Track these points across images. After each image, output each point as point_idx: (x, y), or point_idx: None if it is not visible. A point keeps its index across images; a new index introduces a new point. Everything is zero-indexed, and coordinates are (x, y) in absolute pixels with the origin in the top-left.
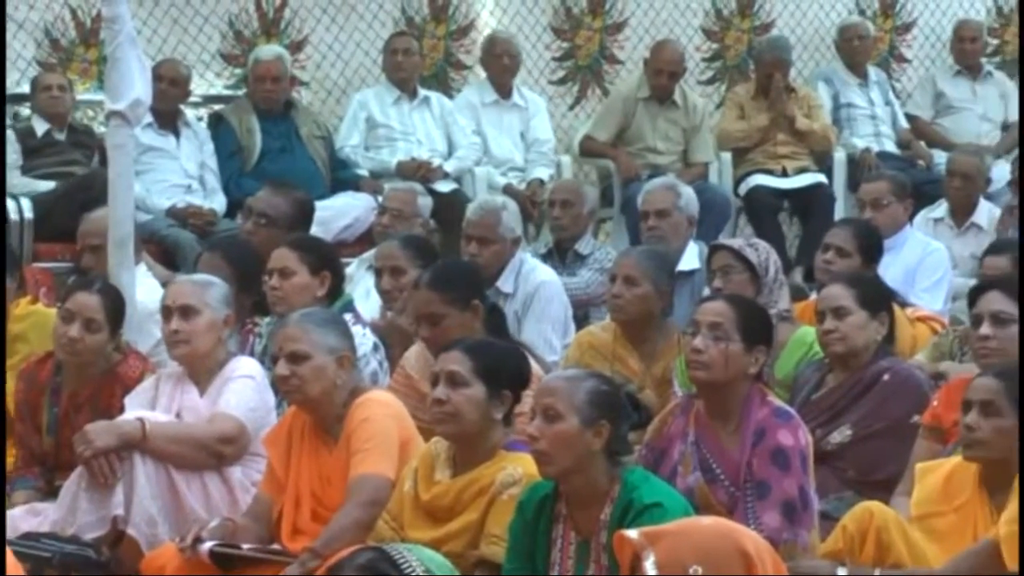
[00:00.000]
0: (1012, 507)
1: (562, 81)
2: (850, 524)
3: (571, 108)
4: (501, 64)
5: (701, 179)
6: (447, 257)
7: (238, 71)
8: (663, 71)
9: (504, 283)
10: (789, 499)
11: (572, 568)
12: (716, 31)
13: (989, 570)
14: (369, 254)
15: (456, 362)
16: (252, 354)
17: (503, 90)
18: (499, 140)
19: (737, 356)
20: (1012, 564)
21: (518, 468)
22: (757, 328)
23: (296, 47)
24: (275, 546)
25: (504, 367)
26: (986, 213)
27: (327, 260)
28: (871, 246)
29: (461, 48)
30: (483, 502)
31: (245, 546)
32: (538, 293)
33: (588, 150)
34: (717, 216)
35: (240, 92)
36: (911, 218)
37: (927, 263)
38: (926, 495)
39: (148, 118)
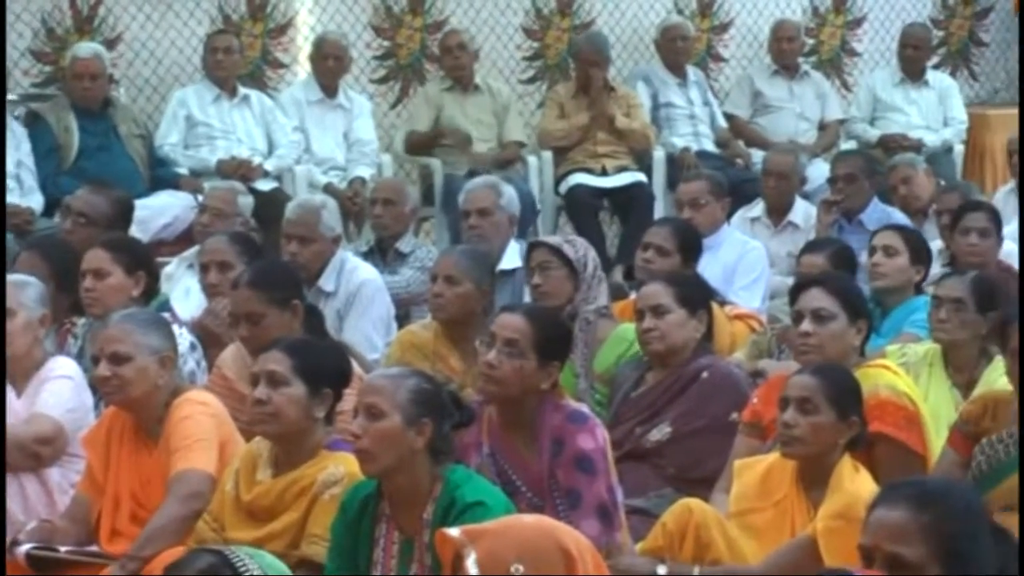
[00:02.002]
0: (829, 503)
1: (383, 80)
2: (670, 521)
3: (392, 107)
4: (328, 64)
5: (518, 159)
6: (268, 256)
7: (47, 69)
8: (451, 48)
9: (325, 282)
10: (602, 503)
11: (395, 567)
12: (536, 30)
13: (806, 565)
14: (189, 253)
15: (276, 361)
16: (68, 354)
17: (329, 90)
18: (322, 139)
19: (531, 373)
20: (829, 559)
21: (340, 467)
22: (553, 345)
23: (110, 44)
24: (93, 548)
25: (324, 365)
26: (802, 212)
27: (142, 260)
28: (690, 245)
29: (279, 46)
30: (305, 502)
31: (63, 548)
32: (360, 292)
33: (414, 144)
34: (535, 216)
35: (48, 91)
36: (729, 217)
37: (745, 261)
38: (744, 492)
39: None
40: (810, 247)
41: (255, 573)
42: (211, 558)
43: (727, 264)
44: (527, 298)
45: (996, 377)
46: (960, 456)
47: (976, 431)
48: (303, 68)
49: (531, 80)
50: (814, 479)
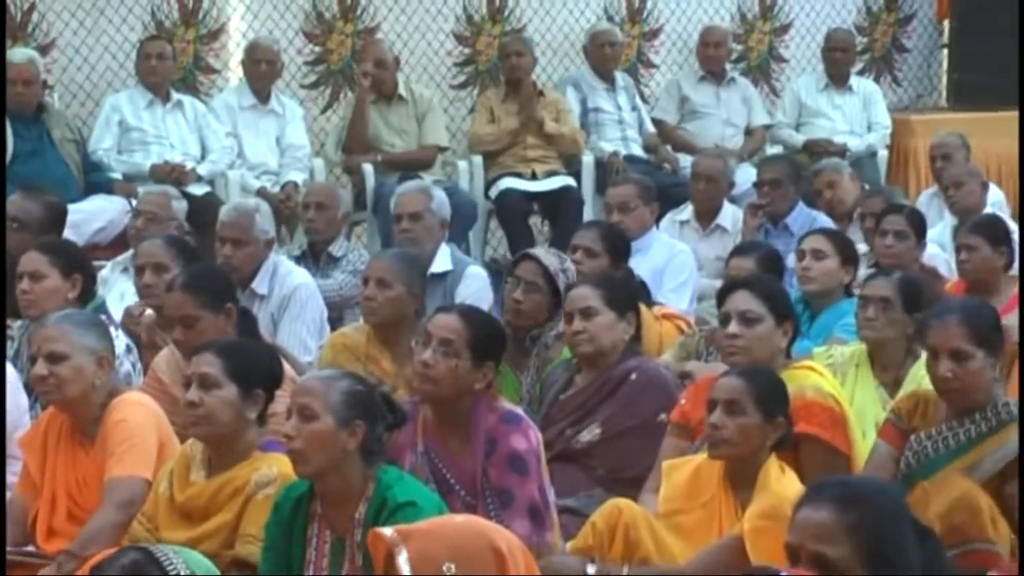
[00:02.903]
0: (756, 504)
1: (315, 85)
2: (599, 521)
3: (323, 112)
4: (260, 70)
5: (433, 160)
6: (202, 260)
7: None
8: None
9: (259, 285)
10: (533, 503)
11: (327, 566)
12: (467, 36)
13: (733, 565)
14: (123, 257)
15: (208, 364)
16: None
17: (261, 95)
18: (254, 144)
19: (465, 373)
20: (756, 558)
21: (273, 468)
22: (487, 345)
23: (43, 50)
24: (29, 548)
25: (256, 367)
26: (730, 215)
27: (78, 263)
28: (618, 247)
29: (211, 52)
30: (238, 502)
31: None
32: (294, 296)
33: (349, 151)
34: (465, 219)
35: None
36: (658, 221)
37: (673, 264)
38: (672, 492)
39: None
40: (739, 250)
41: (180, 570)
42: (136, 555)
43: (656, 267)
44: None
45: (923, 375)
46: (893, 450)
47: (907, 427)
48: (235, 74)
49: (462, 85)
50: (741, 480)
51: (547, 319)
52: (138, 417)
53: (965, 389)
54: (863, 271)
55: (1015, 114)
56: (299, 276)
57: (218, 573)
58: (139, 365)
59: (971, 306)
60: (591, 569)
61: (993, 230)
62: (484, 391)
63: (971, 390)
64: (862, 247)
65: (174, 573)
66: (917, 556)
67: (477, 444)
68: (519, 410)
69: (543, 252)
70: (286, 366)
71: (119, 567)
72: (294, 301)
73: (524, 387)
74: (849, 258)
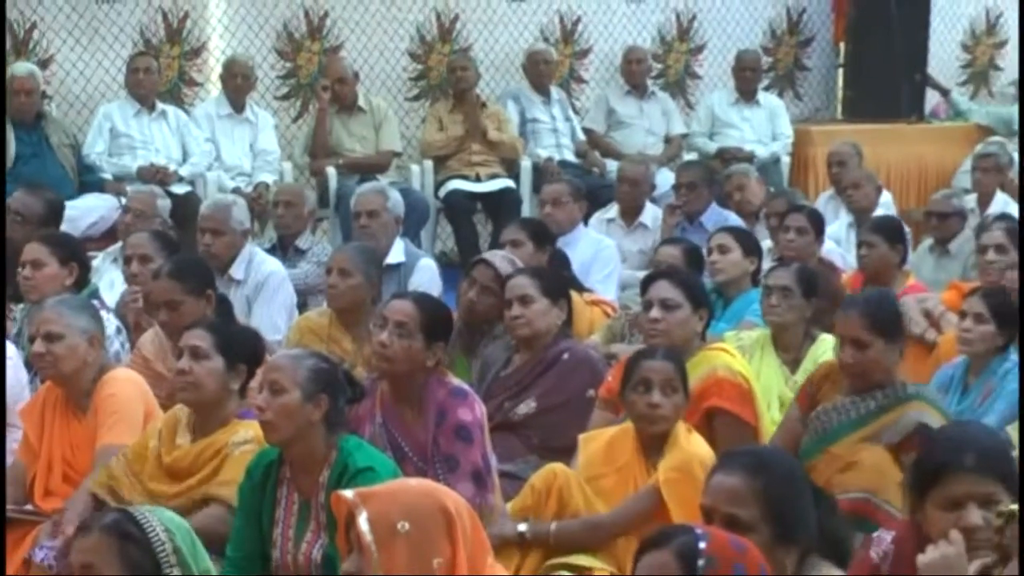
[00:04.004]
0: (669, 459)
1: (286, 97)
2: (537, 482)
3: (294, 121)
4: (236, 83)
5: (388, 164)
6: (183, 251)
7: None
8: (334, 82)
9: (236, 271)
10: (476, 469)
11: (294, 525)
12: (420, 54)
13: (650, 510)
14: (113, 248)
15: (199, 338)
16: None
17: (237, 105)
18: (230, 149)
19: (418, 352)
20: (670, 503)
21: (249, 431)
22: (438, 327)
23: (43, 64)
24: (28, 506)
25: (241, 344)
26: (651, 214)
27: (74, 253)
28: (539, 235)
29: (194, 67)
30: (217, 461)
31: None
32: (267, 281)
33: (314, 155)
34: (417, 217)
35: None
36: (587, 219)
37: (600, 257)
38: (590, 460)
39: None
40: (667, 242)
41: (156, 527)
42: (117, 515)
43: (583, 260)
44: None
45: (820, 354)
46: (802, 412)
47: (816, 392)
48: (215, 87)
49: (415, 98)
50: (652, 445)
51: (498, 317)
52: (126, 391)
53: (865, 372)
54: (767, 264)
55: (901, 126)
56: (272, 265)
57: (188, 527)
58: (127, 344)
59: (873, 299)
60: (522, 527)
61: (891, 230)
62: (435, 368)
63: (870, 373)
64: (767, 243)
65: (151, 531)
66: (814, 515)
67: (428, 415)
68: (466, 386)
69: (498, 259)
70: None
71: (102, 526)
72: (267, 286)
73: (473, 372)
74: (751, 249)
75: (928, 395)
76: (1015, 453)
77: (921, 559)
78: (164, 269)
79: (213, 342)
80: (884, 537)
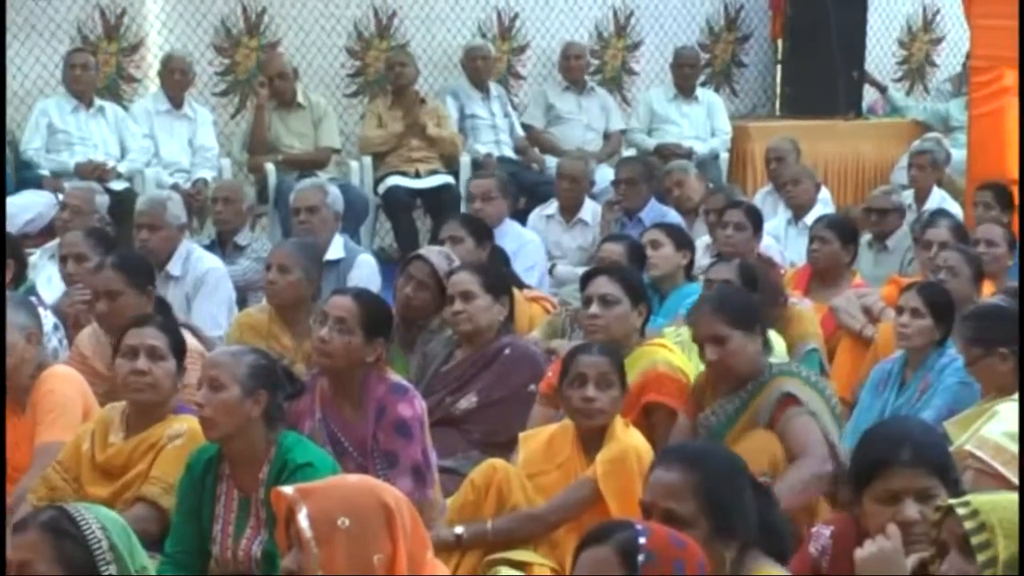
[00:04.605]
0: (606, 451)
1: (224, 93)
2: (477, 478)
3: (232, 117)
4: (175, 79)
5: (327, 161)
6: (119, 248)
7: None
8: (272, 77)
9: (173, 267)
10: (416, 464)
11: (234, 521)
12: (358, 51)
13: (586, 502)
14: (51, 245)
15: (155, 338)
16: None
17: (175, 101)
18: (169, 145)
19: (358, 348)
20: (607, 495)
21: (184, 425)
22: (378, 323)
23: None
24: None
25: (183, 344)
26: (591, 210)
27: (12, 250)
28: (478, 231)
29: (131, 63)
30: (152, 456)
31: None
32: (206, 278)
33: (252, 151)
34: (356, 213)
35: None
36: (526, 215)
37: (524, 251)
38: (530, 457)
39: None
40: (611, 238)
41: (92, 524)
42: (53, 512)
43: (509, 253)
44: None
45: None
46: (690, 419)
47: (700, 398)
48: (153, 83)
49: (353, 94)
50: (592, 440)
51: (435, 312)
52: (64, 388)
53: (730, 367)
54: (705, 260)
55: (839, 122)
56: (211, 261)
57: (125, 524)
58: (64, 341)
59: (722, 295)
60: (459, 529)
61: (845, 229)
62: (375, 364)
63: (735, 367)
64: (705, 239)
65: (87, 528)
66: (754, 510)
67: (368, 411)
68: (406, 382)
69: (434, 254)
70: (195, 341)
71: (38, 524)
72: (206, 283)
73: (412, 367)
74: (683, 244)
75: (788, 369)
76: (952, 448)
77: (858, 553)
78: (109, 260)
79: (167, 343)
80: (823, 531)
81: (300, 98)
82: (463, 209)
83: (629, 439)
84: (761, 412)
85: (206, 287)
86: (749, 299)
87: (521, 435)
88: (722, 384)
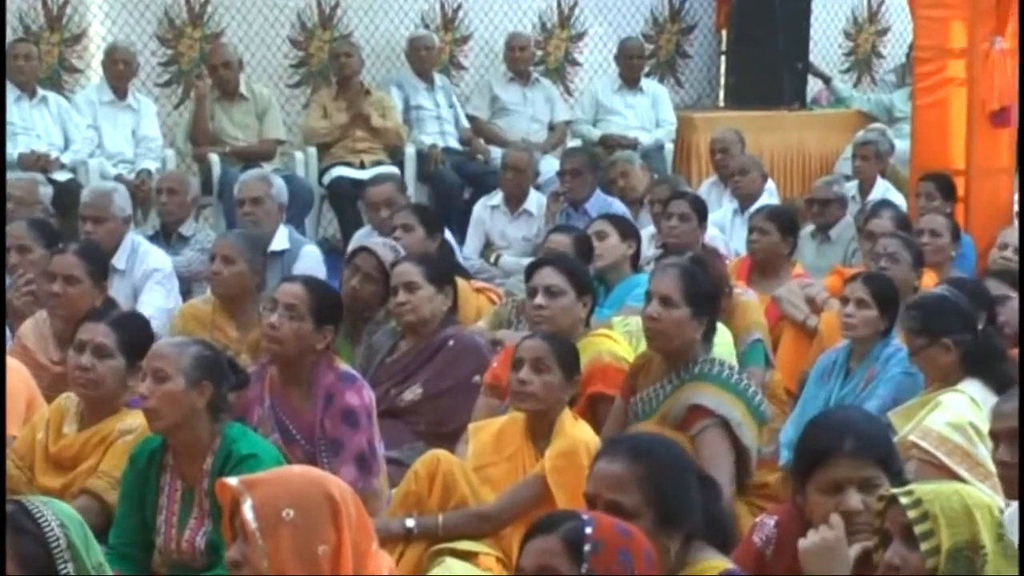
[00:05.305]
0: (555, 446)
1: (167, 84)
2: (420, 469)
3: (175, 108)
4: (118, 69)
5: (273, 152)
6: (63, 240)
7: None
8: (216, 67)
9: (118, 260)
10: (361, 453)
11: (178, 512)
12: (301, 41)
13: (536, 499)
14: None
15: (103, 335)
16: None
17: (119, 92)
18: (113, 135)
19: (307, 335)
20: (556, 491)
21: (136, 419)
22: (327, 310)
23: None
24: None
25: (143, 341)
26: (536, 201)
27: None
28: (431, 221)
29: (74, 54)
30: (103, 449)
31: None
32: (154, 275)
33: (196, 143)
34: (301, 204)
35: None
36: (471, 205)
37: None
38: (480, 449)
39: None
40: (558, 229)
41: (50, 519)
42: (10, 507)
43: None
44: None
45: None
46: (625, 403)
47: (633, 383)
48: (96, 73)
49: (296, 85)
50: (540, 432)
51: (380, 304)
52: (8, 380)
53: (664, 332)
54: (650, 252)
55: (783, 113)
56: (158, 257)
57: (82, 521)
58: (7, 332)
59: (695, 269)
60: (410, 522)
61: (784, 220)
62: (324, 352)
63: (669, 336)
64: (650, 229)
65: (44, 523)
66: (698, 501)
67: (317, 399)
68: (355, 372)
69: (380, 246)
70: None
71: None
72: (154, 278)
73: (357, 358)
74: (628, 234)
75: (708, 372)
76: (896, 438)
77: (802, 543)
78: (73, 247)
79: (116, 340)
80: (767, 522)
81: (243, 89)
82: (413, 200)
83: (578, 433)
84: (669, 417)
85: (152, 281)
86: (714, 290)
87: (471, 426)
88: (651, 348)
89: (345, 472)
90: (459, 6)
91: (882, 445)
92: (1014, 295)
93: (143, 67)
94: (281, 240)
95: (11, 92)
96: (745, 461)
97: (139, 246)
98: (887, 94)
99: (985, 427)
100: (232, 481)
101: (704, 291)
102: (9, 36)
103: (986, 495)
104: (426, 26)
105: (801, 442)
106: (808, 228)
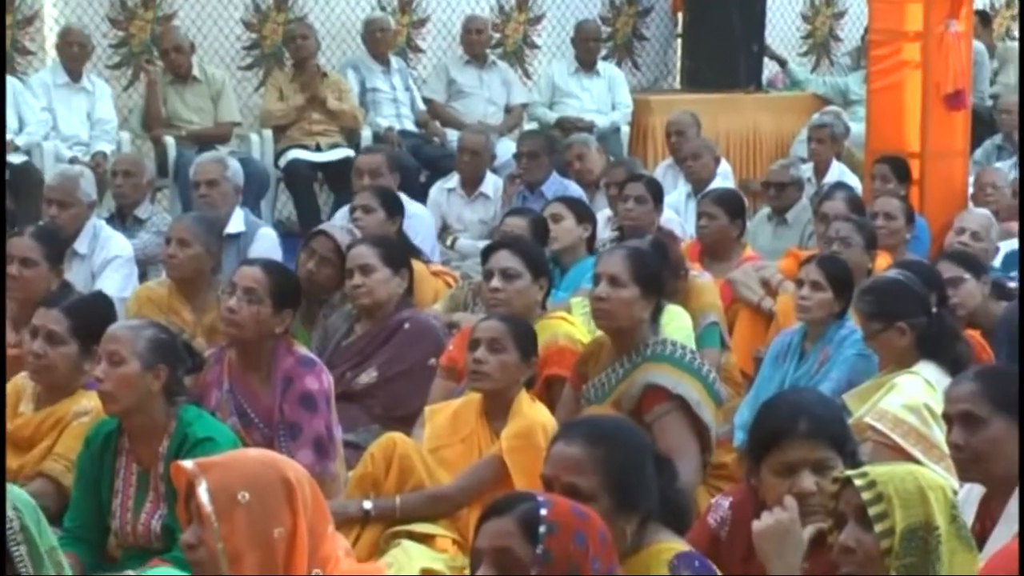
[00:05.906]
0: (511, 427)
1: (118, 66)
2: (376, 452)
3: (125, 89)
4: (73, 52)
5: (229, 135)
6: (18, 222)
7: None
8: (168, 51)
9: (80, 245)
10: (319, 437)
11: (133, 495)
12: (255, 23)
13: (492, 479)
14: None
15: (56, 322)
16: None
17: (74, 74)
18: (67, 118)
19: (266, 318)
20: (513, 470)
21: (92, 402)
22: (287, 294)
23: None
24: None
25: (98, 326)
26: (492, 184)
27: None
28: (392, 204)
29: (26, 36)
30: (58, 431)
31: None
32: (114, 261)
33: (149, 127)
34: (257, 186)
35: None
36: (427, 188)
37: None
38: (435, 431)
39: None
40: (514, 212)
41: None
42: None
43: None
44: None
45: (666, 322)
46: (575, 391)
47: (584, 370)
48: (48, 55)
49: (249, 67)
50: (496, 412)
51: (337, 287)
52: None
53: (612, 312)
54: (606, 234)
55: (739, 95)
56: (120, 242)
57: (35, 505)
58: None
59: (642, 255)
60: (367, 504)
61: (732, 203)
62: (283, 335)
63: (618, 316)
64: (606, 212)
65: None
66: (655, 484)
67: (275, 383)
68: (314, 356)
69: (337, 230)
70: None
71: None
72: (113, 265)
73: (313, 341)
74: (584, 217)
75: (661, 353)
76: (850, 420)
77: (756, 525)
78: (30, 230)
79: (69, 327)
80: (722, 503)
81: (196, 71)
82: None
83: (535, 415)
84: (626, 397)
85: (111, 267)
86: (661, 272)
87: (427, 408)
88: (599, 328)
89: (302, 456)
90: None
91: (836, 427)
92: (968, 277)
93: (94, 49)
94: (237, 223)
95: None
96: (706, 439)
97: (101, 231)
98: (842, 77)
99: (940, 409)
100: (187, 464)
101: (652, 271)
102: None
103: (940, 476)
104: (383, 8)
105: (755, 424)
106: (764, 211)
